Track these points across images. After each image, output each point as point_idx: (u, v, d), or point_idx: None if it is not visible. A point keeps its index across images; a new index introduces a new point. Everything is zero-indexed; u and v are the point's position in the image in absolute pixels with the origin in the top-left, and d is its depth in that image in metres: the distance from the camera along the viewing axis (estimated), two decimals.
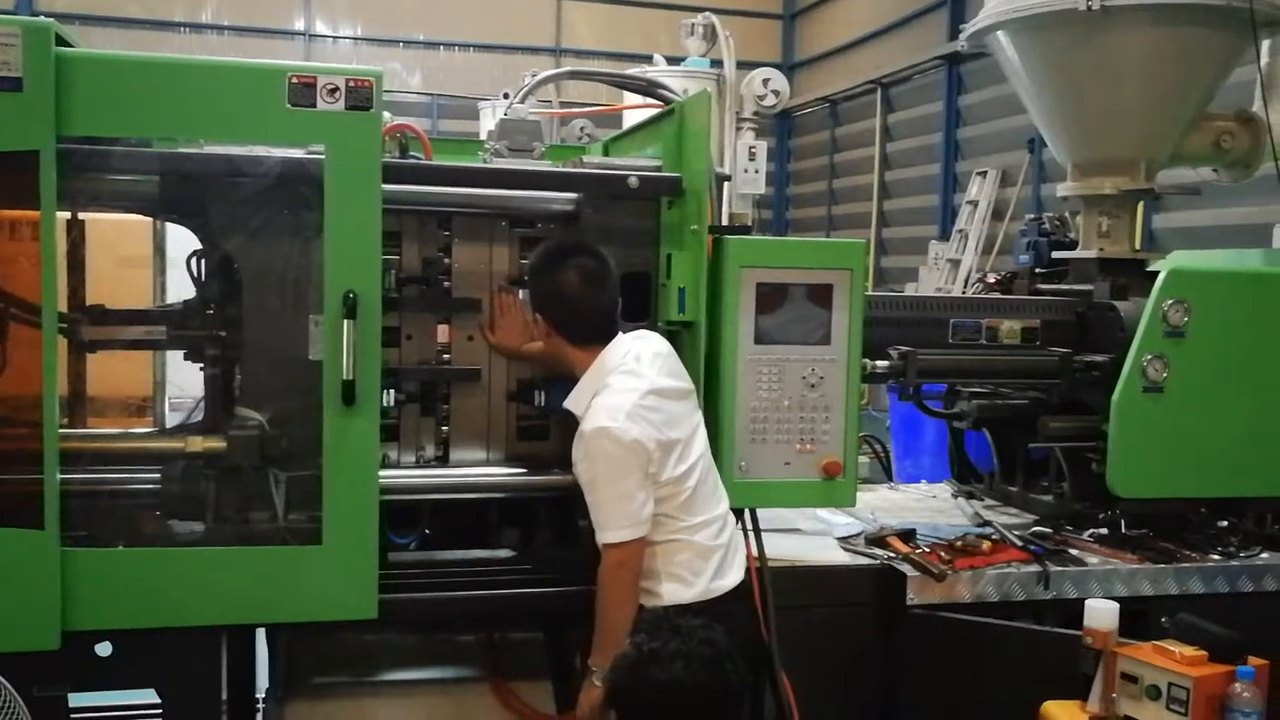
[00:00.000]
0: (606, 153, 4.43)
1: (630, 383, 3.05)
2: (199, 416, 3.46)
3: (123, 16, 16.63)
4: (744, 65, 8.56)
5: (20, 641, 2.88)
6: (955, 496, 4.69)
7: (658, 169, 3.51)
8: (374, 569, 3.10)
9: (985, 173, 14.09)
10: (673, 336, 3.40)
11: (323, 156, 3.00)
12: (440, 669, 3.79)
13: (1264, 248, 5.42)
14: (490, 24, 18.50)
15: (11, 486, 2.94)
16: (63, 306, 3.13)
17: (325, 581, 3.08)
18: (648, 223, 3.49)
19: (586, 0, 19.35)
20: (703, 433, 3.22)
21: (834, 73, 18.72)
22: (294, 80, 2.95)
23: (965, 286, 12.06)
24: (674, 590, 3.04)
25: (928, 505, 4.62)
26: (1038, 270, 4.76)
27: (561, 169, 3.52)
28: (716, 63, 9.19)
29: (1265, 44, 4.41)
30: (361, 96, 2.99)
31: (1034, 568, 3.69)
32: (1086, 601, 3.15)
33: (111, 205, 3.52)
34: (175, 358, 3.79)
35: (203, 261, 3.39)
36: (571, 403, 3.16)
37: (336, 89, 2.97)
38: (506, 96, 11.03)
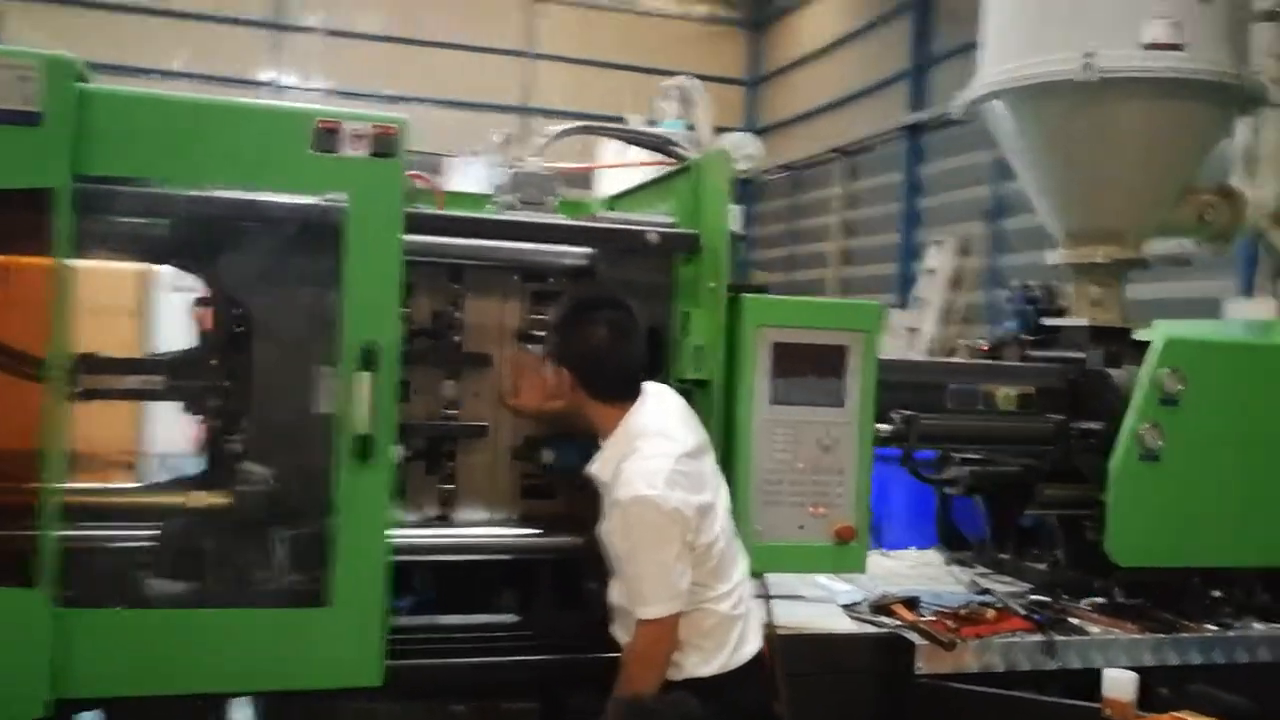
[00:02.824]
0: (611, 209, 4.43)
1: (663, 446, 2.93)
2: (188, 470, 3.38)
3: (92, 60, 16.42)
4: None
5: (3, 711, 2.73)
6: (948, 564, 4.67)
7: (672, 225, 3.50)
8: (382, 633, 2.98)
9: (942, 241, 14.31)
10: (685, 395, 3.36)
11: (341, 203, 2.96)
12: None
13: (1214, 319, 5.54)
14: (459, 80, 18.59)
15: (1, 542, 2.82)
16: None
17: (331, 646, 2.96)
18: (661, 279, 3.48)
19: (554, 60, 19.54)
20: (725, 492, 3.13)
21: (796, 139, 18.98)
22: (319, 125, 2.90)
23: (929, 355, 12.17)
24: (695, 663, 2.92)
25: (922, 573, 4.59)
26: (1023, 337, 4.80)
27: (581, 223, 3.51)
28: (689, 126, 9.27)
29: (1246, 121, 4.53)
30: (386, 144, 2.94)
31: (1038, 637, 3.65)
32: (1104, 671, 3.12)
33: (116, 250, 3.44)
34: (158, 410, 3.68)
35: (207, 309, 3.32)
36: (597, 468, 3.03)
37: (362, 135, 2.93)
38: (475, 154, 11.04)
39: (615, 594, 3.06)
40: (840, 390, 3.44)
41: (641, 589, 2.87)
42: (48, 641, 2.74)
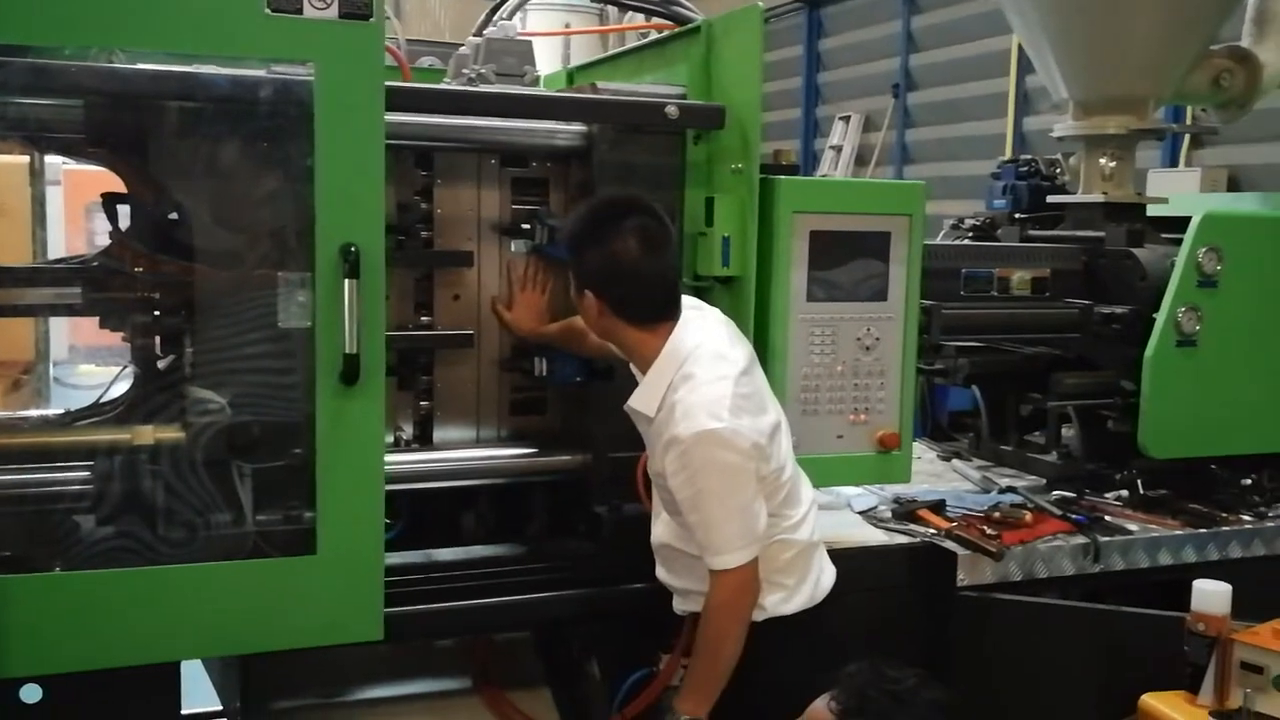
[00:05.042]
0: (571, 81, 3.91)
1: (720, 368, 2.49)
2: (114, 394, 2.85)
3: None
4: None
5: None
6: (944, 458, 4.38)
7: (683, 97, 3.02)
8: (379, 581, 2.57)
9: (848, 117, 13.98)
10: (700, 294, 2.93)
11: (305, 76, 2.43)
12: (421, 681, 3.28)
13: None
14: None
15: None
16: None
17: (321, 599, 2.54)
18: (668, 161, 3.00)
19: None
20: (779, 405, 2.71)
21: None
22: None
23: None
24: (777, 601, 2.57)
25: (919, 468, 4.27)
26: (1019, 216, 4.48)
27: (584, 96, 3.00)
28: None
29: None
30: (359, 2, 2.41)
31: (1080, 539, 3.39)
32: (1195, 584, 2.83)
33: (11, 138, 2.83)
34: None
35: (119, 207, 2.76)
36: (640, 401, 2.55)
37: None
38: None
39: (663, 534, 2.68)
40: (884, 282, 3.05)
41: (714, 538, 2.44)
42: None
